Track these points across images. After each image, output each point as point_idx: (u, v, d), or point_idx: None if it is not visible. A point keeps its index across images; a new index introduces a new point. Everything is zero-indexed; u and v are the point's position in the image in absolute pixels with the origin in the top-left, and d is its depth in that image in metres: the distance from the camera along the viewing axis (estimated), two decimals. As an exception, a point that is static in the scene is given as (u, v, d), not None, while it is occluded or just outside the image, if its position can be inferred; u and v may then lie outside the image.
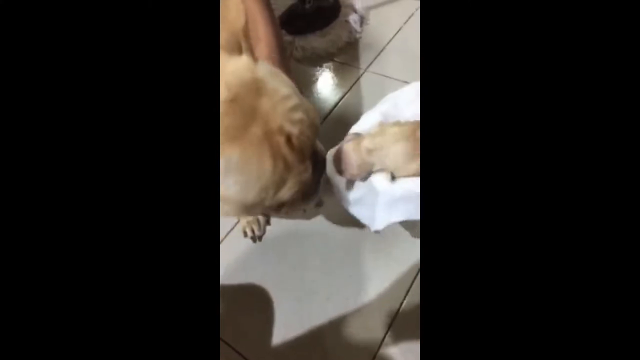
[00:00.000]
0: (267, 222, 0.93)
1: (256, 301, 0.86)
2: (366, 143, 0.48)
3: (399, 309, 0.81)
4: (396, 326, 0.79)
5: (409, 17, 1.37)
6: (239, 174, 0.39)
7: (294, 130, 0.42)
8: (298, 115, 0.43)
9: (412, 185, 0.47)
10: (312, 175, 0.46)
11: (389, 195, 0.48)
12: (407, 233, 0.89)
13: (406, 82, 1.03)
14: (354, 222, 0.56)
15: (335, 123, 1.12)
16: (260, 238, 0.93)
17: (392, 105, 0.55)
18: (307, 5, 1.28)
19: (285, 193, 0.43)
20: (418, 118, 0.50)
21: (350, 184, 0.52)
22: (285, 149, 0.41)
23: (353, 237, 0.91)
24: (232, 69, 0.42)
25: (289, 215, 0.52)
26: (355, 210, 0.54)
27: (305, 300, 0.85)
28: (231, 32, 0.48)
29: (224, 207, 0.43)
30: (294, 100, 0.43)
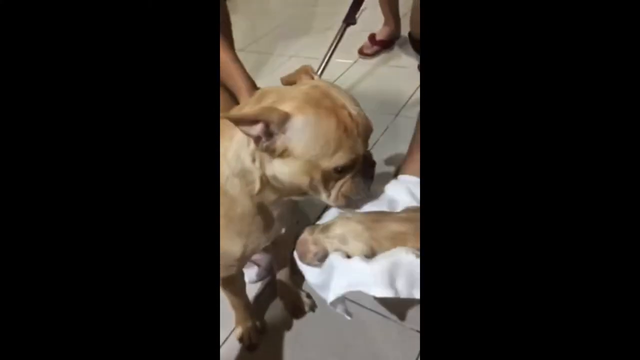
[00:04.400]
0: (264, 331, 0.93)
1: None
2: (326, 228, 0.57)
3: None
4: None
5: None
6: (311, 129, 0.52)
7: (354, 111, 0.55)
8: (357, 107, 0.56)
9: (360, 260, 0.54)
10: (363, 168, 0.58)
11: (341, 269, 0.54)
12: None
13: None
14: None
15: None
16: (255, 347, 0.90)
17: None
18: None
19: (341, 157, 0.53)
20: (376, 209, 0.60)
21: (314, 270, 0.58)
22: (347, 119, 0.53)
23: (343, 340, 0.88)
24: (311, 83, 0.59)
25: (336, 201, 0.59)
26: (324, 294, 0.58)
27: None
28: None
29: (292, 164, 0.54)
30: (356, 100, 0.57)
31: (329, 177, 0.56)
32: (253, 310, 0.93)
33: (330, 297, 0.54)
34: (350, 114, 0.54)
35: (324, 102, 0.53)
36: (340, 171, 0.55)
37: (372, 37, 1.87)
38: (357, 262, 0.53)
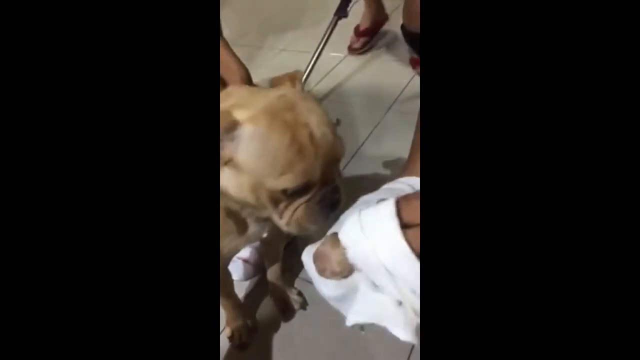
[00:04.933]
0: (254, 330, 0.91)
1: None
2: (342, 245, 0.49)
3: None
4: None
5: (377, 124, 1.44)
6: (258, 142, 0.47)
7: (319, 132, 0.49)
8: (324, 127, 0.50)
9: (393, 303, 0.48)
10: (321, 194, 0.52)
11: (367, 296, 0.49)
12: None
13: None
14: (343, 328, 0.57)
15: None
16: (246, 345, 0.89)
17: (363, 208, 0.56)
18: None
19: (289, 180, 0.48)
20: None
21: (330, 283, 0.52)
22: (304, 139, 0.48)
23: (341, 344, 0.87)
24: (280, 91, 0.53)
25: (288, 226, 0.54)
26: (338, 306, 0.55)
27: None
28: None
29: (237, 177, 0.50)
30: (326, 119, 0.52)
31: (277, 199, 0.51)
32: (244, 309, 0.91)
33: (351, 321, 0.51)
34: (311, 134, 0.48)
35: (283, 116, 0.48)
36: (290, 194, 0.50)
37: (356, 29, 1.79)
38: (383, 296, 0.48)
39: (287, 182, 0.48)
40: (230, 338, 0.90)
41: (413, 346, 0.85)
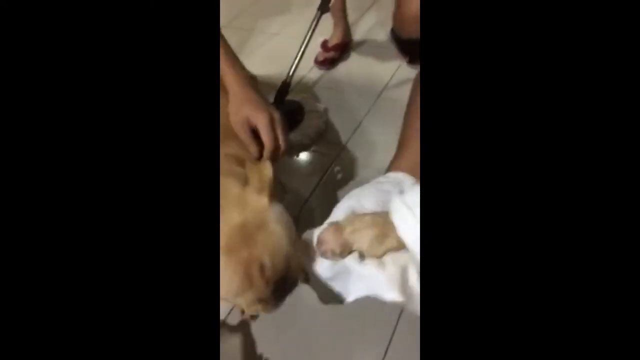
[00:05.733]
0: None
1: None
2: (346, 226, 0.58)
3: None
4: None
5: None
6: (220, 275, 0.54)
7: (268, 263, 0.57)
8: (278, 259, 0.58)
9: (375, 267, 0.56)
10: (273, 295, 0.60)
11: (356, 273, 0.57)
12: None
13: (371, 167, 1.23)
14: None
15: (314, 206, 1.23)
16: (255, 317, 0.96)
17: (356, 200, 0.65)
18: None
19: (243, 302, 0.58)
20: (379, 209, 0.60)
21: (324, 265, 0.60)
22: (255, 274, 0.56)
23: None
24: (253, 204, 0.60)
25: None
26: (333, 284, 0.63)
27: None
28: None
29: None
30: (284, 244, 0.59)
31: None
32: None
33: (351, 298, 0.60)
34: (262, 268, 0.55)
35: (238, 253, 0.55)
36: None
37: (324, 44, 1.74)
38: (371, 268, 0.55)
39: (241, 302, 0.58)
40: (242, 312, 0.95)
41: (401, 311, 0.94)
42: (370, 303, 0.56)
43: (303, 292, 0.60)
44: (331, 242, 0.57)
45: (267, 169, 0.63)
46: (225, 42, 0.79)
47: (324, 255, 0.59)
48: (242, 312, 0.96)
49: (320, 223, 0.62)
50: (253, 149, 0.73)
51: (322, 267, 0.61)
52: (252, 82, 0.78)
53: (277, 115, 0.74)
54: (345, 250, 0.57)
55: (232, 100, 0.75)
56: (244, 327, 0.96)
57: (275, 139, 0.73)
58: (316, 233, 0.60)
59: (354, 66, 1.73)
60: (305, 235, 0.63)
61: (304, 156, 1.40)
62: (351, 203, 0.65)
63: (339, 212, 0.63)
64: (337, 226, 0.59)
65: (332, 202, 0.65)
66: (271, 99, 1.41)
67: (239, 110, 0.73)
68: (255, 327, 0.97)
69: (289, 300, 0.64)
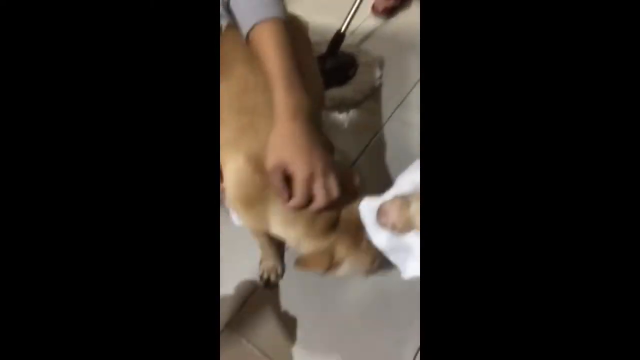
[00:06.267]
0: (282, 273, 0.98)
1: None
2: (413, 202, 0.55)
3: None
4: None
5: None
6: None
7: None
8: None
9: None
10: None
11: (417, 252, 0.56)
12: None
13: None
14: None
15: (364, 167, 1.14)
16: (274, 285, 0.96)
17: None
18: (327, 64, 1.34)
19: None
20: None
21: (382, 235, 0.59)
22: None
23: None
24: None
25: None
26: (389, 256, 0.61)
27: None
28: None
29: None
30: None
31: None
32: (277, 251, 0.95)
33: (409, 274, 0.59)
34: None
35: None
36: None
37: None
38: None
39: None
40: (261, 276, 0.95)
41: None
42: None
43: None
44: (394, 216, 0.56)
45: None
46: (288, 59, 0.65)
47: (384, 226, 0.57)
48: (261, 276, 0.96)
49: (368, 188, 0.60)
50: (284, 198, 0.61)
51: (380, 238, 0.60)
52: (310, 109, 0.64)
53: (323, 165, 0.61)
54: (406, 227, 0.56)
55: (275, 132, 0.62)
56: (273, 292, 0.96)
57: (313, 194, 0.61)
58: (378, 201, 0.59)
59: (415, 16, 1.57)
60: (366, 201, 0.61)
61: (354, 113, 1.30)
62: (418, 177, 0.60)
63: (404, 184, 0.60)
64: (405, 201, 0.57)
65: (381, 166, 0.60)
66: (323, 49, 1.34)
67: (277, 150, 0.61)
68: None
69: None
